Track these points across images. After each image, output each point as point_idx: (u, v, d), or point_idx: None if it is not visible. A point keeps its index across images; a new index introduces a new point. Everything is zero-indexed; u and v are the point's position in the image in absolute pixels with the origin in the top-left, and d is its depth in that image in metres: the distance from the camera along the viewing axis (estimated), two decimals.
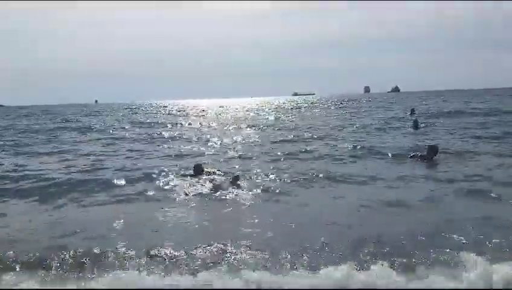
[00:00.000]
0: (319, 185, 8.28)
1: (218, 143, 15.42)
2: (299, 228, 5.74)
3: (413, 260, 4.40)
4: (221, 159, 11.65)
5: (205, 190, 7.93)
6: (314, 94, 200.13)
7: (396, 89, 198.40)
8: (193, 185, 8.26)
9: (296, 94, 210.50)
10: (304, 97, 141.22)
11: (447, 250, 4.59)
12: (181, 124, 27.19)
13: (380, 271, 4.17)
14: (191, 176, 8.92)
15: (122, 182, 8.87)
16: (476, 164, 9.92)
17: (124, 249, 4.96)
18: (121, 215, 6.49)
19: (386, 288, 3.96)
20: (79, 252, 4.88)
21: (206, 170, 9.09)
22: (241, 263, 4.48)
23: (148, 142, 17.03)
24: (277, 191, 7.78)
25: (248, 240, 5.18)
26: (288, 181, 8.51)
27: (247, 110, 45.91)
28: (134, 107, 75.46)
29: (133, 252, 4.83)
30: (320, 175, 8.84)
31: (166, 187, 8.37)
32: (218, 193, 7.70)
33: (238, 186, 7.97)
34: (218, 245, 4.95)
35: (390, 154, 11.22)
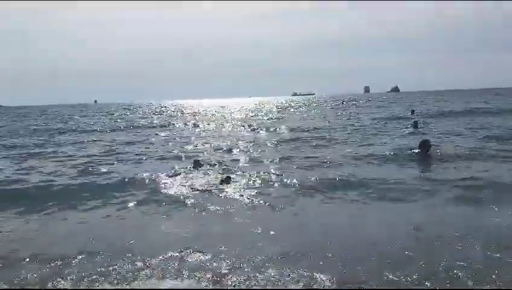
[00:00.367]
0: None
1: (215, 144, 15.26)
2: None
3: None
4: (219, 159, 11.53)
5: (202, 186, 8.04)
6: (314, 94, 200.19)
7: (396, 89, 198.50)
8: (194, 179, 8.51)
9: (295, 94, 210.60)
10: (303, 97, 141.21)
11: None
12: (181, 124, 27.04)
13: None
14: (191, 169, 9.54)
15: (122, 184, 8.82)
16: (472, 165, 9.68)
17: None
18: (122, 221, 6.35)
19: (384, 288, 3.96)
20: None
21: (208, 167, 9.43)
22: None
23: (143, 143, 16.85)
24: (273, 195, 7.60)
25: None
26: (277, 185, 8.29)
27: (242, 111, 45.68)
28: (133, 107, 75.36)
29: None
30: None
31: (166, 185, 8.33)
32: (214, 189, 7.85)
33: (228, 183, 8.15)
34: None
35: (388, 154, 11.08)
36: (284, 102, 78.44)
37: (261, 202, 7.05)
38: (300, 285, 4.03)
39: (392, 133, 16.89)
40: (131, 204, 7.34)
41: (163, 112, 50.89)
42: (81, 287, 4.19)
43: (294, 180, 8.41)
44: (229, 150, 13.41)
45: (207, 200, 7.22)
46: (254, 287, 4.05)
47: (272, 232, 5.53)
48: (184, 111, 50.88)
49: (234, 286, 4.09)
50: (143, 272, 4.40)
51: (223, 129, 22.54)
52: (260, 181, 8.45)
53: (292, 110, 44.52)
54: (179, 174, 9.25)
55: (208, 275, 4.27)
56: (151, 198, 7.63)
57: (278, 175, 8.94)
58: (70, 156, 13.44)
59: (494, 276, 4.09)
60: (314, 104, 58.31)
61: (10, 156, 13.95)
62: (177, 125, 26.38)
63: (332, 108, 44.76)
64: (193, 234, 5.58)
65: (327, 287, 4.02)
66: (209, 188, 7.92)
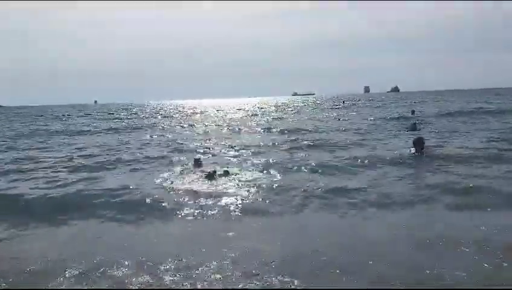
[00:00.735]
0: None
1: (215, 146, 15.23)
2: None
3: None
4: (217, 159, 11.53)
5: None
6: (314, 94, 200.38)
7: (396, 89, 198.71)
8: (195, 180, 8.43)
9: (295, 94, 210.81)
10: (304, 97, 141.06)
11: None
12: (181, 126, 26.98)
13: None
14: (191, 167, 9.57)
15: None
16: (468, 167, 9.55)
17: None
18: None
19: (385, 288, 3.95)
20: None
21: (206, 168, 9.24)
22: None
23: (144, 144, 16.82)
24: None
25: None
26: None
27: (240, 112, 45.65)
28: (132, 108, 75.38)
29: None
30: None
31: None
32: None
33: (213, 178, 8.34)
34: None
35: (385, 158, 10.95)
36: (284, 102, 78.41)
37: (256, 205, 6.97)
38: (301, 285, 4.04)
39: (392, 134, 16.86)
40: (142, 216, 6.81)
41: (160, 112, 51.00)
42: (81, 287, 4.19)
43: (293, 182, 8.40)
44: (228, 151, 13.33)
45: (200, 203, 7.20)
46: (254, 287, 4.05)
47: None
48: (182, 111, 51.02)
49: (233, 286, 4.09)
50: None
51: (221, 130, 22.52)
52: (258, 183, 8.33)
53: (291, 110, 44.53)
54: (178, 173, 9.25)
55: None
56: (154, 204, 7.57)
57: (274, 177, 8.88)
58: (66, 156, 13.16)
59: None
60: (315, 105, 58.29)
61: None
62: (175, 127, 26.38)
63: (332, 108, 44.76)
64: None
65: (329, 288, 4.02)
66: (207, 189, 7.88)
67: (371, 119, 24.78)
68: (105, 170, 10.53)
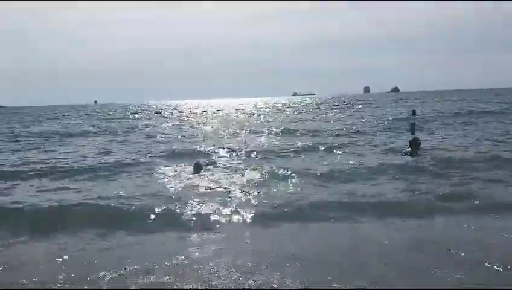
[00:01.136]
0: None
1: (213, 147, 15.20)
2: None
3: None
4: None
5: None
6: (314, 94, 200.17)
7: (396, 89, 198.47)
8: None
9: (295, 94, 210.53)
10: (303, 97, 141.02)
11: None
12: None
13: None
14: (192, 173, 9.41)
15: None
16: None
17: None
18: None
19: (384, 288, 3.98)
20: None
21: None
22: None
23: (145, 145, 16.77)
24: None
25: None
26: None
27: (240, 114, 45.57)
28: (129, 108, 75.28)
29: None
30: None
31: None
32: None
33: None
34: None
35: (385, 158, 10.96)
36: (284, 102, 78.36)
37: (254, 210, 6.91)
38: (300, 285, 4.05)
39: (391, 135, 16.86)
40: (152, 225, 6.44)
41: (160, 112, 50.96)
42: (81, 287, 4.19)
43: (294, 185, 8.44)
44: (226, 151, 13.29)
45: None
46: (253, 287, 4.06)
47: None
48: (182, 111, 51.00)
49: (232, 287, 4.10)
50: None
51: (221, 132, 22.46)
52: (260, 188, 8.15)
53: (291, 110, 44.49)
54: (178, 178, 9.15)
55: None
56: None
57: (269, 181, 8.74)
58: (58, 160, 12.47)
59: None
60: (315, 105, 58.24)
61: None
62: (175, 128, 26.37)
63: (332, 109, 44.73)
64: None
65: (325, 287, 4.03)
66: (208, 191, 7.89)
67: (370, 120, 24.78)
68: (101, 177, 9.90)
